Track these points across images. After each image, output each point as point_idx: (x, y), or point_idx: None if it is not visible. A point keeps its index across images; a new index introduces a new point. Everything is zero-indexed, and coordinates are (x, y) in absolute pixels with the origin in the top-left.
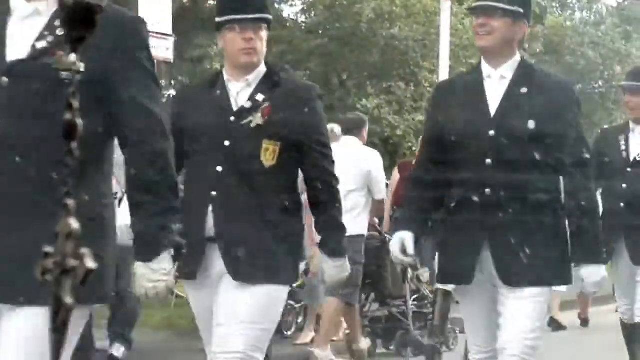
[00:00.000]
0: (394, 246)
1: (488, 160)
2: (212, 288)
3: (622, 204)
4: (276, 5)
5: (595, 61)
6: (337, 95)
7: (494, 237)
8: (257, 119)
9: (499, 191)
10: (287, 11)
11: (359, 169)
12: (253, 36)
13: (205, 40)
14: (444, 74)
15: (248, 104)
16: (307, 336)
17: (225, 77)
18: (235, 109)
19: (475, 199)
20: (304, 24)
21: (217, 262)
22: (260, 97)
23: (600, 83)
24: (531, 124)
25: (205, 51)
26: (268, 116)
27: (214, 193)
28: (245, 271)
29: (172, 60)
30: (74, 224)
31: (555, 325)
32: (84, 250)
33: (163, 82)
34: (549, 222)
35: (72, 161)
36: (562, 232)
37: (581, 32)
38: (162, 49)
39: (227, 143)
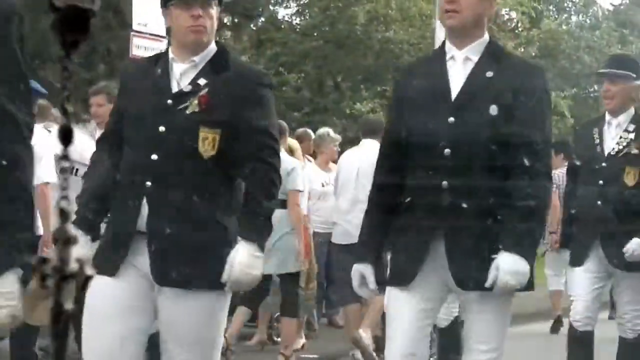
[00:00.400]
0: (354, 281)
1: (447, 150)
2: (134, 284)
3: (598, 202)
4: (271, 7)
5: (590, 65)
6: (331, 98)
7: (450, 234)
8: (193, 106)
9: (457, 184)
10: (282, 13)
11: None
12: (201, 13)
13: None
14: None
15: (188, 88)
16: (298, 342)
17: (170, 56)
18: (174, 91)
19: (432, 192)
20: (298, 26)
21: (146, 261)
22: (202, 81)
23: (596, 87)
24: (493, 110)
25: None
26: (206, 103)
27: (148, 183)
28: (174, 274)
29: None
30: (72, 229)
31: (556, 325)
32: (83, 257)
33: None
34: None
35: (68, 165)
36: None
37: (577, 36)
38: (156, 50)
39: (162, 129)
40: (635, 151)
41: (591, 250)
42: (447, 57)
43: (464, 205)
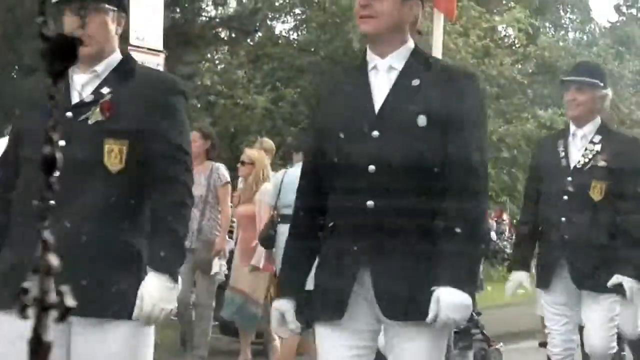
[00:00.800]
0: (274, 320)
1: (371, 167)
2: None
3: (563, 219)
4: (268, 22)
5: None
6: None
7: (376, 261)
8: (96, 115)
9: (384, 204)
10: (279, 28)
11: None
12: (80, 20)
13: (196, 56)
14: None
15: (89, 98)
16: None
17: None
18: (74, 102)
19: (356, 214)
20: (295, 42)
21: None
22: (105, 89)
23: None
24: (421, 121)
25: (196, 67)
26: (109, 111)
27: (50, 204)
28: (83, 302)
29: None
30: (53, 259)
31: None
32: (64, 288)
33: None
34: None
35: (51, 195)
36: None
37: (574, 52)
38: (153, 65)
39: (62, 143)
40: (602, 163)
41: (556, 271)
42: (369, 67)
43: (392, 228)
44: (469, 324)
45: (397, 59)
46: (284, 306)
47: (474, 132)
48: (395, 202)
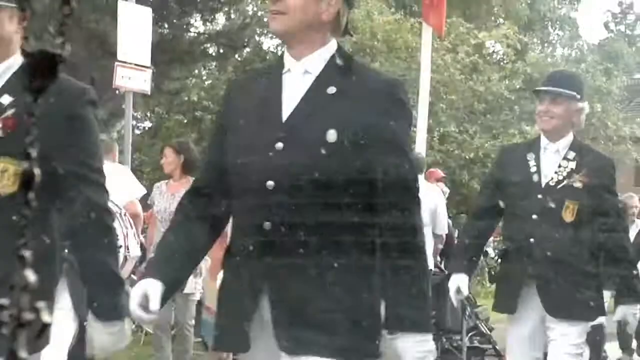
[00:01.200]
0: (133, 299)
1: (270, 182)
2: None
3: (532, 240)
4: (256, 38)
5: None
6: None
7: (275, 289)
8: None
9: (282, 225)
10: (267, 44)
11: (427, 206)
12: None
13: (183, 72)
14: (423, 110)
15: None
16: None
17: None
18: None
19: (253, 235)
20: None
21: None
22: (7, 98)
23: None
24: (331, 136)
25: (183, 83)
26: (11, 128)
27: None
28: None
29: (149, 92)
30: (30, 276)
31: None
32: (41, 304)
33: (139, 114)
34: (356, 271)
35: (29, 212)
36: (374, 285)
37: (562, 69)
38: (140, 81)
39: None
40: (577, 184)
41: (522, 295)
42: (284, 70)
43: (290, 252)
44: (482, 339)
45: (313, 63)
46: (151, 285)
47: (398, 149)
48: (295, 223)
